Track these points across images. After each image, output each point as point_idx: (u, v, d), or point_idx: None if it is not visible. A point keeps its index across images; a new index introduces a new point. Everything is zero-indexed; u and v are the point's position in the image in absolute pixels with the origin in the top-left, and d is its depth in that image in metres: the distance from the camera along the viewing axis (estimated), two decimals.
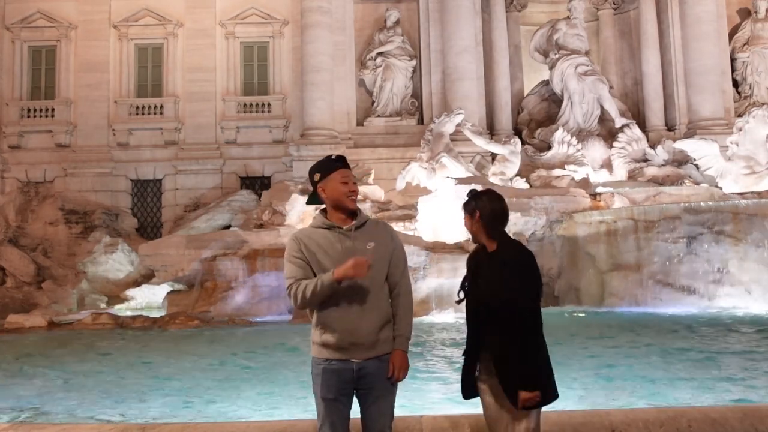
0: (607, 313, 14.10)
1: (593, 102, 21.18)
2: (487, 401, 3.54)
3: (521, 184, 18.61)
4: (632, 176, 19.53)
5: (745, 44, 22.76)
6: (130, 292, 17.74)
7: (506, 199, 3.84)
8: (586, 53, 21.77)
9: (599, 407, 5.40)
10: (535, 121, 22.29)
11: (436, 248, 14.69)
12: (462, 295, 3.65)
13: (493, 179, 18.34)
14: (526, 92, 23.36)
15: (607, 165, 20.18)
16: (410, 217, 17.00)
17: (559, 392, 3.58)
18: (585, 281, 15.30)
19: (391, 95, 22.23)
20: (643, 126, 21.64)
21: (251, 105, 23.31)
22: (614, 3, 23.74)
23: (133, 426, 4.79)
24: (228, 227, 19.61)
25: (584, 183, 18.32)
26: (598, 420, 4.17)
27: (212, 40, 23.46)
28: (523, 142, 20.61)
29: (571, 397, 6.00)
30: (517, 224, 15.13)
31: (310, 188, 3.77)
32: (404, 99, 22.33)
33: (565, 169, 19.22)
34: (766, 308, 13.09)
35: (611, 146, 20.30)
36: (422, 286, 14.21)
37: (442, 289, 14.04)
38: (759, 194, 16.26)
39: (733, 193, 16.88)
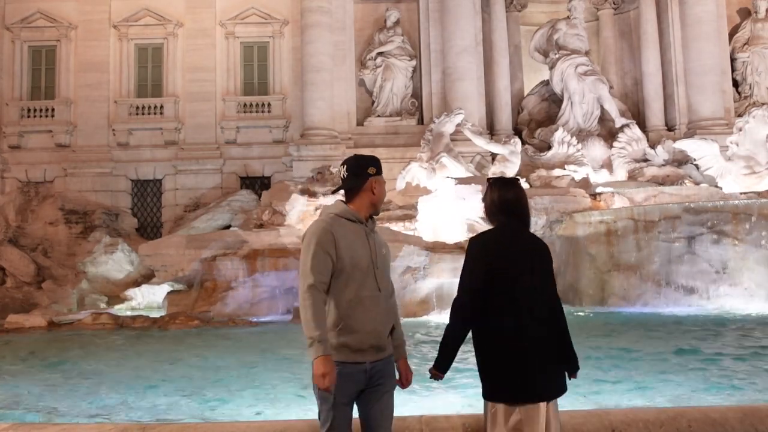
0: (606, 313, 14.09)
1: (593, 102, 21.19)
2: None
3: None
4: (632, 176, 19.54)
5: (745, 44, 22.76)
6: (130, 292, 17.73)
7: None
8: (586, 53, 21.78)
9: (599, 407, 5.40)
10: (535, 121, 22.29)
11: (436, 248, 14.69)
12: None
13: None
14: (526, 92, 23.37)
15: (607, 165, 20.19)
16: (410, 217, 16.99)
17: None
18: (585, 281, 15.30)
19: (391, 95, 22.23)
20: (643, 126, 21.64)
21: (251, 105, 23.31)
22: (614, 3, 23.74)
23: (133, 426, 4.78)
24: (228, 227, 19.60)
25: (584, 183, 18.32)
26: (598, 420, 4.17)
27: (212, 40, 23.46)
28: (523, 142, 20.62)
29: (571, 397, 6.00)
30: None
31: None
32: (404, 99, 22.33)
33: (565, 169, 19.23)
34: (766, 308, 13.09)
35: (611, 146, 20.31)
36: (422, 286, 14.21)
37: (442, 289, 14.03)
38: (759, 194, 16.25)
39: (733, 193, 16.87)
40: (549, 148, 20.22)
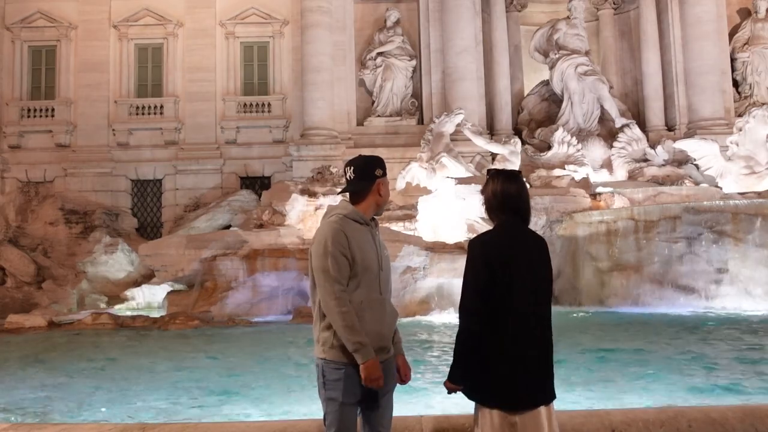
0: (607, 313, 14.09)
1: (593, 102, 21.19)
2: None
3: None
4: (632, 176, 19.54)
5: (745, 44, 22.75)
6: (130, 292, 17.72)
7: None
8: (586, 53, 21.78)
9: (599, 407, 5.39)
10: (535, 121, 22.29)
11: (436, 248, 14.68)
12: None
13: None
14: (526, 92, 23.36)
15: (607, 165, 20.19)
16: (410, 217, 16.98)
17: (560, 393, 3.55)
18: (585, 281, 15.30)
19: (391, 95, 22.22)
20: (643, 126, 21.64)
21: (251, 105, 23.32)
22: (614, 3, 23.74)
23: (133, 426, 4.78)
24: (228, 227, 19.60)
25: (584, 183, 18.31)
26: (598, 420, 4.17)
27: (212, 40, 23.46)
28: (523, 142, 20.62)
29: (572, 397, 6.00)
30: None
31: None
32: (404, 99, 22.32)
33: (565, 169, 19.22)
34: (766, 308, 13.09)
35: (611, 146, 20.31)
36: (422, 286, 14.20)
37: (442, 289, 14.03)
38: (759, 194, 16.26)
39: (733, 193, 16.87)
40: (549, 148, 20.22)
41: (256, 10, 23.42)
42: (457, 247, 14.55)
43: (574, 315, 13.73)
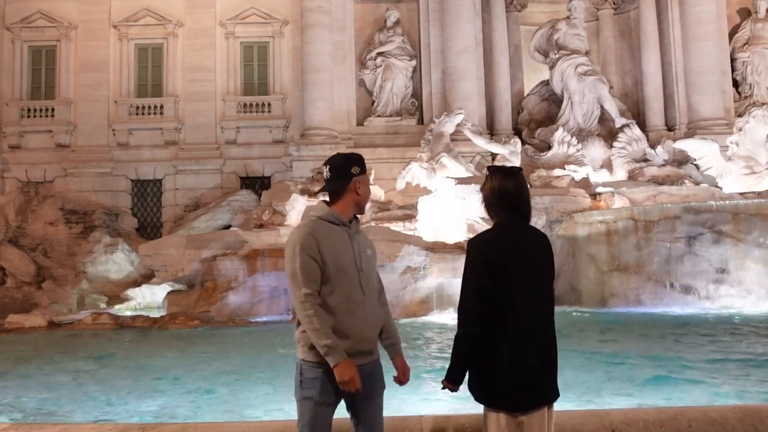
0: (607, 313, 14.09)
1: (593, 102, 21.18)
2: None
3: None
4: (632, 176, 19.53)
5: (745, 44, 22.75)
6: (130, 292, 17.72)
7: None
8: (586, 53, 21.77)
9: (599, 407, 5.40)
10: (535, 121, 22.28)
11: (436, 248, 14.69)
12: None
13: None
14: (526, 92, 23.36)
15: (607, 165, 20.18)
16: (410, 217, 16.98)
17: (561, 392, 3.54)
18: (585, 281, 15.28)
19: (391, 95, 22.22)
20: (643, 126, 21.64)
21: (251, 105, 23.32)
22: (614, 3, 23.74)
23: (133, 426, 4.78)
24: (228, 227, 19.60)
25: (584, 183, 18.31)
26: (598, 420, 4.17)
27: (212, 40, 23.47)
28: (523, 142, 20.62)
29: (572, 398, 6.00)
30: None
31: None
32: (404, 99, 22.32)
33: (565, 169, 19.21)
34: (766, 308, 13.09)
35: (611, 146, 20.30)
36: (422, 286, 14.21)
37: (442, 289, 14.04)
38: (759, 194, 16.26)
39: (733, 193, 16.87)
40: (549, 148, 20.21)
41: (256, 10, 23.42)
42: (457, 247, 14.55)
43: (574, 315, 13.72)
